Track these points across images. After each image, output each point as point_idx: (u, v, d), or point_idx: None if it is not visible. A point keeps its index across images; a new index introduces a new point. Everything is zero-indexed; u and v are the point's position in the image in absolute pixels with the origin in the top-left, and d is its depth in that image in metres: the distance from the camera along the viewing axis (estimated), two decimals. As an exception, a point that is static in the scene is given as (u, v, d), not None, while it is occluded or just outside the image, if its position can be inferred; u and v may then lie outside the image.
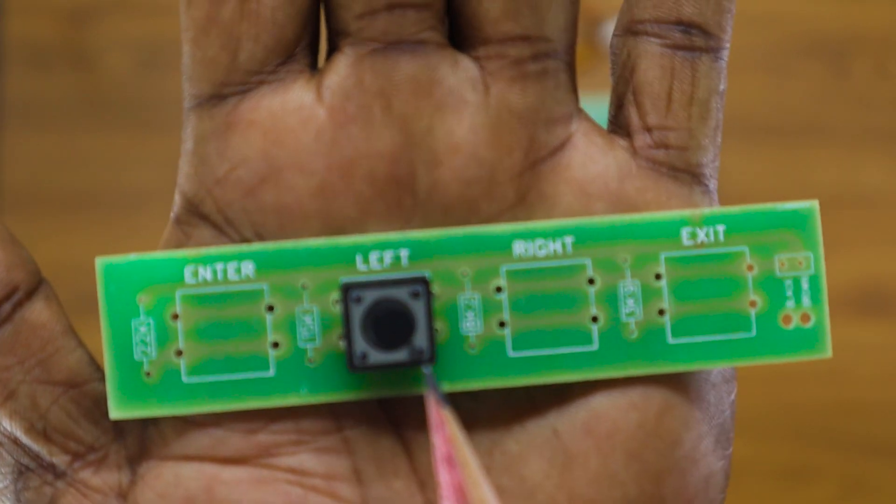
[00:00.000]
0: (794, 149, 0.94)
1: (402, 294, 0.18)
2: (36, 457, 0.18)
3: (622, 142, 0.19)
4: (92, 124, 1.00)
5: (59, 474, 0.18)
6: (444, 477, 0.17)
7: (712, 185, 0.20)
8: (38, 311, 0.18)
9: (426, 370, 0.18)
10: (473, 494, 0.16)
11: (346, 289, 0.18)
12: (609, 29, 0.96)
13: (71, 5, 1.08)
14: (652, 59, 0.19)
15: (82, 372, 0.19)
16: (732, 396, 0.20)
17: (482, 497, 0.17)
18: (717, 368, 0.20)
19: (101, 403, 0.19)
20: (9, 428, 0.18)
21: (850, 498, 0.93)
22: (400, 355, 0.18)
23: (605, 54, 0.96)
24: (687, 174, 0.19)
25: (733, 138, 0.93)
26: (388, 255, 0.19)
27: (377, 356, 0.18)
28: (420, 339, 0.18)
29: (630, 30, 0.20)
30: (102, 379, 0.19)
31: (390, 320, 0.18)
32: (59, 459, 0.18)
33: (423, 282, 0.18)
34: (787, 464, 0.93)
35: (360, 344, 0.18)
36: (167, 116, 1.00)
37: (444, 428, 0.17)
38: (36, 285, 0.18)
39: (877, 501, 0.93)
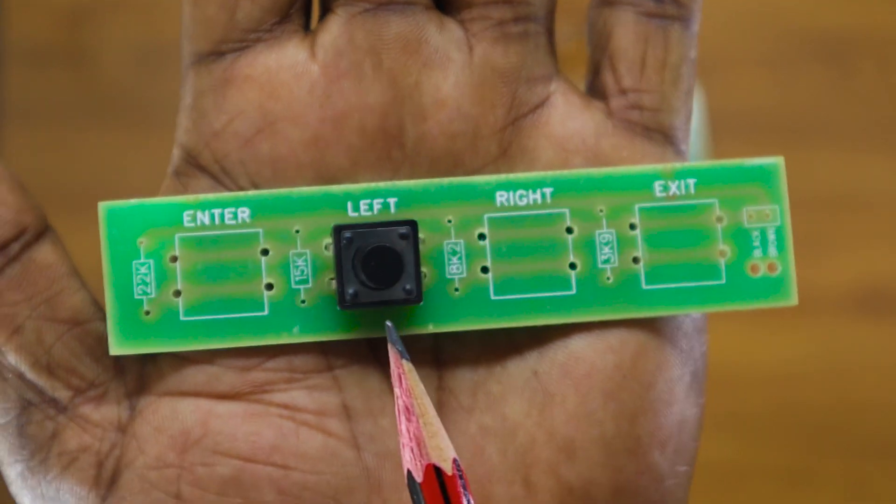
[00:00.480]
0: (795, 148, 0.95)
1: (391, 235, 0.19)
2: (39, 391, 0.19)
3: (599, 103, 0.21)
4: (92, 124, 1.02)
5: (60, 409, 0.20)
6: (403, 426, 0.18)
7: (684, 146, 0.21)
8: (45, 253, 0.19)
9: (388, 324, 0.19)
10: (430, 442, 0.18)
11: (338, 230, 0.19)
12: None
13: (70, 5, 1.09)
14: (627, 27, 0.21)
15: (85, 311, 0.20)
16: (704, 347, 0.21)
17: (438, 444, 0.18)
18: (689, 317, 0.21)
19: (102, 342, 0.20)
20: (14, 362, 0.19)
21: (850, 500, 0.94)
22: (388, 295, 0.19)
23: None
24: (660, 134, 0.21)
25: (733, 137, 0.95)
26: (377, 203, 0.20)
27: (367, 294, 0.19)
28: (408, 278, 0.19)
29: (606, 1, 0.21)
30: (104, 318, 0.20)
31: (380, 259, 0.19)
32: (62, 394, 0.19)
33: (413, 225, 0.19)
34: (788, 466, 0.94)
35: (351, 283, 0.19)
36: (167, 116, 1.01)
37: (403, 380, 0.18)
38: (43, 229, 0.20)
39: (878, 503, 0.94)
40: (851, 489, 0.93)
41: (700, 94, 0.94)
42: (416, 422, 0.18)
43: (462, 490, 0.17)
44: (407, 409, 0.18)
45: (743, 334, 0.91)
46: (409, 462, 0.18)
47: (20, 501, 0.20)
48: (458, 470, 0.17)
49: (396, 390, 0.18)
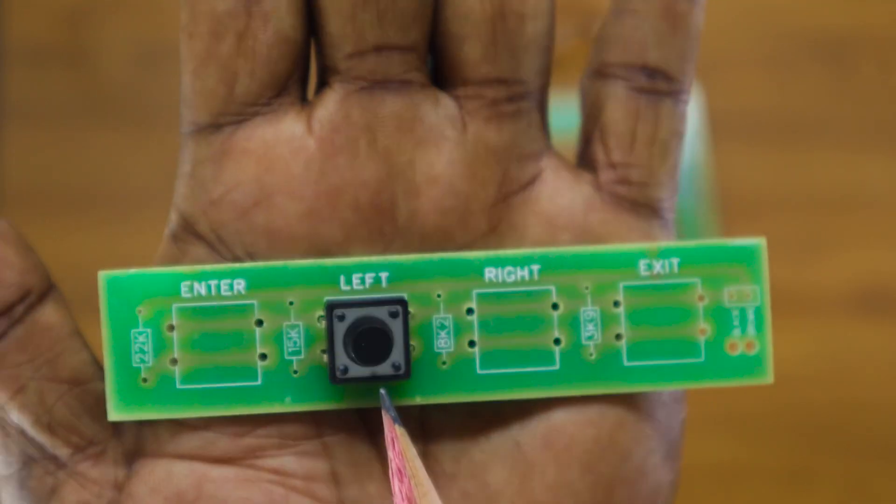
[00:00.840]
0: (796, 149, 0.96)
1: (381, 313, 0.20)
2: (40, 448, 0.20)
3: (588, 176, 0.21)
4: (92, 124, 1.02)
5: (60, 465, 0.20)
6: (395, 486, 0.19)
7: (670, 218, 0.22)
8: (48, 314, 0.20)
9: (382, 392, 0.20)
10: (421, 501, 0.18)
11: (330, 307, 0.20)
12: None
13: (70, 5, 1.09)
14: (618, 101, 0.21)
15: (86, 371, 0.20)
16: (682, 416, 0.22)
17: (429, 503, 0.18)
18: (667, 390, 0.21)
19: (101, 401, 0.21)
20: (17, 420, 0.20)
21: (852, 500, 0.94)
22: (378, 370, 0.20)
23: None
24: (647, 208, 0.21)
25: (733, 138, 0.95)
26: (369, 277, 0.20)
27: (357, 370, 0.20)
28: (397, 355, 0.20)
29: (599, 72, 0.22)
30: (103, 378, 0.21)
31: (370, 337, 0.20)
32: (61, 452, 0.20)
33: (402, 302, 0.20)
34: (787, 466, 0.95)
35: (342, 358, 0.20)
36: (167, 116, 1.02)
37: (396, 444, 0.19)
38: (47, 289, 0.20)
39: (878, 503, 0.95)
40: (851, 489, 0.94)
41: (700, 93, 0.94)
42: (407, 483, 0.19)
43: None
44: (399, 470, 0.19)
45: None
46: None
47: None
48: None
49: (390, 453, 0.19)
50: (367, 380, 0.20)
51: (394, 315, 0.20)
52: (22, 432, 0.20)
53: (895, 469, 0.93)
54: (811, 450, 0.93)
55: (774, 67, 0.97)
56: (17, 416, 0.20)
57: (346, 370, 0.20)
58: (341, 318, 0.20)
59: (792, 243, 0.93)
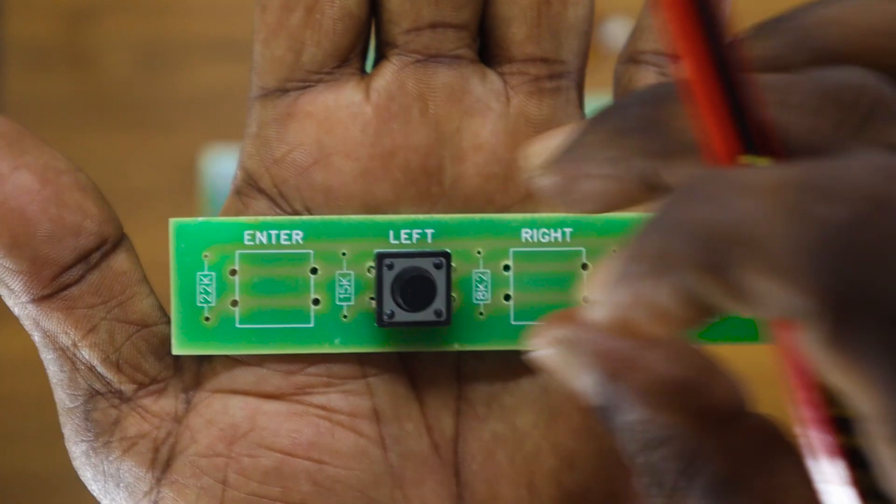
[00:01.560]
0: None
1: (427, 264, 0.22)
2: (107, 383, 0.22)
3: None
4: (92, 124, 1.04)
5: (124, 399, 0.22)
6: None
7: None
8: (120, 261, 0.22)
9: None
10: None
11: (380, 257, 0.22)
12: (610, 28, 1.00)
13: (71, 5, 1.11)
14: (647, 84, 0.24)
15: (153, 315, 0.23)
16: None
17: None
18: None
19: (165, 343, 0.23)
20: (87, 357, 0.22)
21: None
22: (421, 316, 0.22)
23: (607, 54, 1.00)
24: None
25: None
26: (415, 233, 0.23)
27: (402, 315, 0.22)
28: (440, 302, 0.22)
29: (632, 58, 0.24)
30: (168, 322, 0.23)
31: (416, 285, 0.22)
32: (126, 387, 0.22)
33: (446, 255, 0.22)
34: None
35: (389, 304, 0.22)
36: (167, 116, 1.04)
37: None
38: (120, 238, 0.23)
39: None
40: None
41: None
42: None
43: None
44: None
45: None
46: None
47: (83, 475, 0.23)
48: None
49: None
50: (411, 325, 0.22)
51: (438, 266, 0.22)
52: (91, 368, 0.22)
53: None
54: None
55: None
56: (87, 354, 0.22)
57: (392, 315, 0.22)
58: (390, 266, 0.22)
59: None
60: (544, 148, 0.19)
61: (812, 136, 0.16)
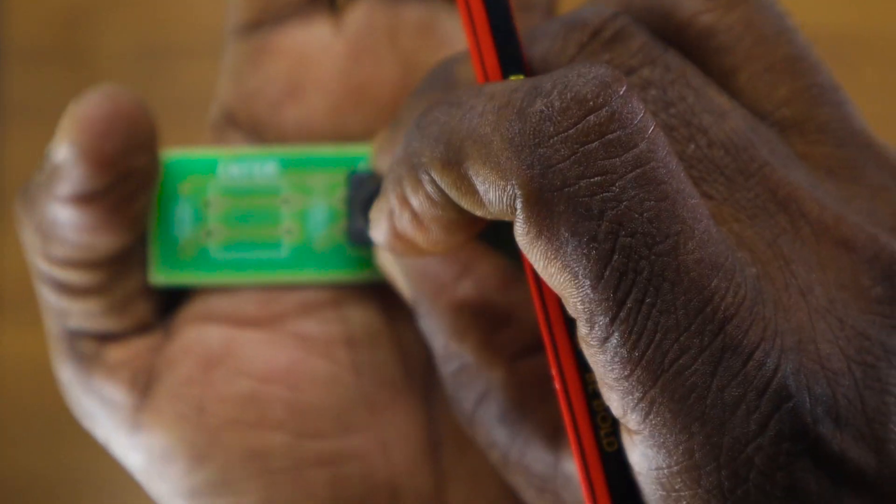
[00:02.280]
0: None
1: None
2: (99, 327, 0.23)
3: None
4: (91, 122, 1.05)
5: (110, 336, 0.23)
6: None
7: None
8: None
9: None
10: None
11: (352, 175, 0.23)
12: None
13: (70, 5, 1.12)
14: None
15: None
16: None
17: None
18: None
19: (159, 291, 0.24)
20: (90, 307, 0.23)
21: None
22: None
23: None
24: None
25: None
26: None
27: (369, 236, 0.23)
28: None
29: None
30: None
31: None
32: (118, 330, 0.23)
33: None
34: None
35: (360, 222, 0.23)
36: (167, 116, 1.05)
37: None
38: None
39: None
40: None
41: None
42: None
43: None
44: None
45: None
46: None
47: (70, 396, 0.23)
48: None
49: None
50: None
51: None
52: (88, 314, 0.23)
53: None
54: None
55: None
56: (93, 304, 0.23)
57: (362, 233, 0.23)
58: (360, 184, 0.23)
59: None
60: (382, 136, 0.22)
61: (559, 58, 0.19)
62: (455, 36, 0.24)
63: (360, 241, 0.23)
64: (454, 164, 0.18)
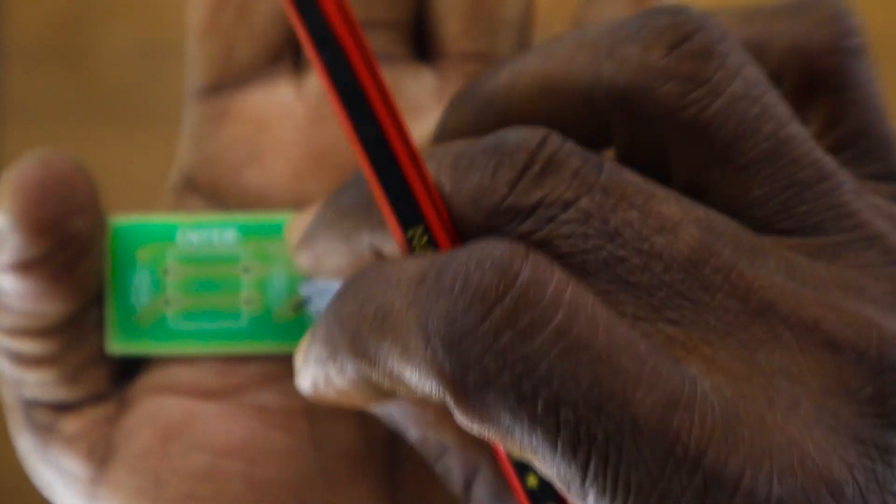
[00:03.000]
0: None
1: None
2: (53, 397, 0.23)
3: None
4: (91, 124, 1.05)
5: (66, 406, 0.23)
6: None
7: None
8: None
9: None
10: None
11: (305, 285, 0.23)
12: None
13: (70, 5, 1.12)
14: None
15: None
16: None
17: None
18: None
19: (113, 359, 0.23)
20: (41, 378, 0.23)
21: None
22: None
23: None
24: None
25: None
26: None
27: None
28: None
29: (590, 1, 0.24)
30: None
31: None
32: (73, 400, 0.23)
33: None
34: None
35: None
36: (167, 116, 1.05)
37: None
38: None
39: None
40: None
41: None
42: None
43: None
44: None
45: None
46: None
47: (29, 465, 0.23)
48: None
49: None
50: None
51: None
52: (42, 385, 0.23)
53: None
54: None
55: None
56: (46, 374, 0.23)
57: None
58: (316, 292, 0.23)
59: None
60: (299, 226, 0.22)
61: (491, 198, 0.18)
62: (420, 99, 0.23)
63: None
64: (377, 361, 0.18)
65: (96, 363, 0.23)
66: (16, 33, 1.10)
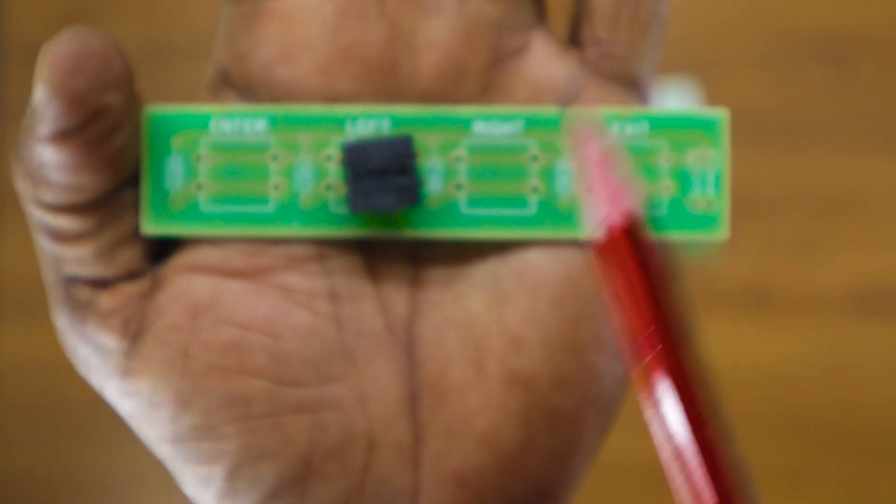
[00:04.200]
0: (796, 149, 1.00)
1: (393, 145, 0.24)
2: (91, 273, 0.24)
3: (575, 51, 0.26)
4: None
5: (102, 283, 0.25)
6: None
7: (648, 92, 0.26)
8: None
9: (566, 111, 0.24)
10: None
11: (346, 145, 0.24)
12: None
13: (70, 5, 1.13)
14: None
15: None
16: None
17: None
18: None
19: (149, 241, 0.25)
20: (80, 253, 0.24)
21: (850, 499, 0.97)
22: (389, 200, 0.24)
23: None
24: (626, 81, 0.26)
25: (736, 138, 0.99)
26: (372, 124, 0.25)
27: (372, 201, 0.24)
28: (409, 181, 0.24)
29: None
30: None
31: (382, 168, 0.24)
32: (110, 277, 0.25)
33: (409, 138, 0.24)
34: (786, 465, 0.98)
35: (359, 191, 0.24)
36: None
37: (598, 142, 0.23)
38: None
39: (877, 503, 0.97)
40: (851, 489, 0.97)
41: (699, 93, 0.98)
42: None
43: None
44: (604, 160, 0.23)
45: (743, 335, 0.95)
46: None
47: (67, 343, 0.25)
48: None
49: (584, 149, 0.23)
50: (382, 210, 0.24)
51: (406, 146, 0.24)
52: (81, 260, 0.24)
53: (895, 469, 0.96)
54: (811, 449, 0.96)
55: (773, 68, 1.01)
56: (83, 249, 0.24)
57: (362, 201, 0.24)
58: (354, 153, 0.24)
59: (791, 243, 0.97)
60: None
61: None
62: (440, 1, 0.25)
63: (362, 209, 0.24)
64: None
65: (131, 242, 0.25)
66: (16, 33, 1.12)
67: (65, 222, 0.24)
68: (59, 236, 0.24)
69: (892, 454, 0.98)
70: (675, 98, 0.96)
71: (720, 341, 0.97)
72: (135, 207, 0.25)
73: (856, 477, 0.99)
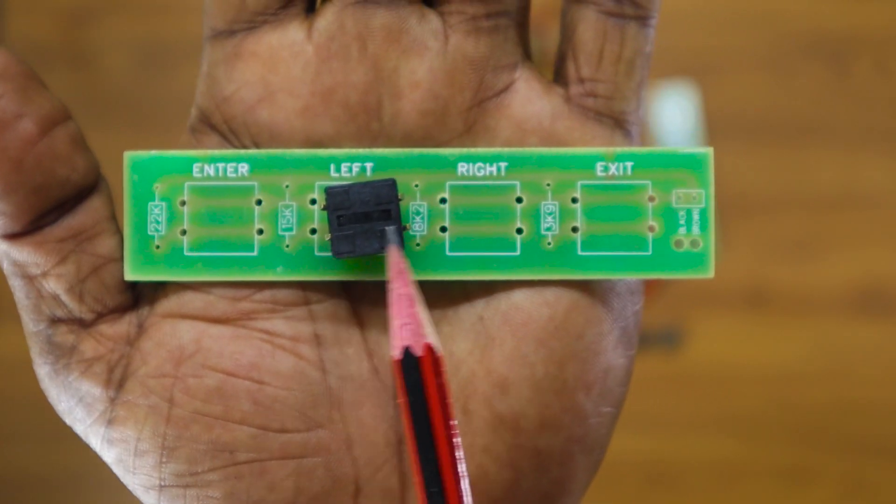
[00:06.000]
0: (794, 149, 0.99)
1: (377, 189, 0.24)
2: (69, 312, 0.24)
3: (559, 89, 0.26)
4: (92, 124, 1.06)
5: (83, 326, 0.24)
6: (404, 309, 0.23)
7: (634, 130, 0.26)
8: (94, 202, 0.24)
9: (388, 228, 0.24)
10: (427, 328, 0.23)
11: (329, 189, 0.24)
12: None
13: (71, 5, 1.13)
14: (589, 23, 0.25)
15: (116, 251, 0.25)
16: (637, 307, 0.26)
17: (431, 331, 0.23)
18: (622, 280, 0.25)
19: (123, 277, 0.25)
20: (52, 287, 0.24)
21: (850, 499, 0.97)
22: (372, 246, 0.24)
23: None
24: (611, 119, 0.25)
25: (733, 138, 0.98)
26: (356, 167, 0.25)
27: (355, 247, 0.24)
28: (392, 228, 0.24)
29: None
30: None
31: (366, 213, 0.24)
32: (86, 315, 0.24)
33: (392, 182, 0.24)
34: (786, 465, 0.98)
35: (342, 235, 0.24)
36: (167, 116, 1.06)
37: (405, 273, 0.24)
38: (97, 182, 0.24)
39: (877, 502, 0.97)
40: (850, 489, 0.97)
41: (698, 94, 0.97)
42: (419, 307, 0.23)
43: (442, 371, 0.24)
44: (409, 297, 0.23)
45: (743, 334, 0.95)
46: (409, 339, 0.23)
47: (48, 394, 0.25)
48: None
49: (396, 283, 0.24)
50: (364, 255, 0.24)
51: (389, 188, 0.24)
52: (55, 297, 0.24)
53: (894, 468, 0.96)
54: (810, 449, 0.96)
55: (772, 68, 1.01)
56: (53, 284, 0.24)
57: (344, 245, 0.24)
58: (337, 197, 0.24)
59: (790, 243, 0.97)
60: None
61: None
62: (424, 39, 0.25)
63: (345, 255, 0.24)
64: None
65: (101, 276, 0.25)
66: (16, 33, 1.12)
67: (27, 256, 0.24)
68: (26, 273, 0.24)
69: (892, 454, 0.98)
70: (671, 103, 0.96)
71: (719, 341, 0.97)
72: (96, 238, 0.25)
73: (855, 477, 0.99)
